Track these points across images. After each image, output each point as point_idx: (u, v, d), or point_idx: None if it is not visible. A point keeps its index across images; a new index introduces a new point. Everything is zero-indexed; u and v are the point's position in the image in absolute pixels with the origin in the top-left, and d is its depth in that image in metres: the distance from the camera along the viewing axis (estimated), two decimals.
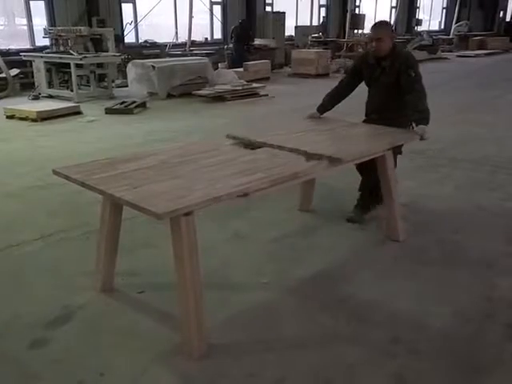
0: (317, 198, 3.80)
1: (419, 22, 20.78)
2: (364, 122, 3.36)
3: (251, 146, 2.74)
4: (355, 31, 16.44)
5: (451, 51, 18.52)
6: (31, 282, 2.56)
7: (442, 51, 17.63)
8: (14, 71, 9.30)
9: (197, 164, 2.36)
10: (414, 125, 3.05)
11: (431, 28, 22.35)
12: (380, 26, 3.19)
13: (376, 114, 3.27)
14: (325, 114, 3.42)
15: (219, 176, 2.17)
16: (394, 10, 20.17)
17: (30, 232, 3.12)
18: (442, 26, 23.40)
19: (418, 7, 21.25)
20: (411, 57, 3.21)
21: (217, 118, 7.00)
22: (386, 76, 3.15)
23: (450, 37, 20.73)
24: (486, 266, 2.76)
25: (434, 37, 18.70)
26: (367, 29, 17.34)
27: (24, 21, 10.51)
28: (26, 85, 9.40)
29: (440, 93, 9.25)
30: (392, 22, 20.03)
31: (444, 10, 23.46)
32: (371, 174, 3.14)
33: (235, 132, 2.94)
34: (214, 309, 2.26)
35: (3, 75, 8.92)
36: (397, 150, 3.16)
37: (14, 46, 10.17)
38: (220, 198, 1.94)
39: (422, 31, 19.36)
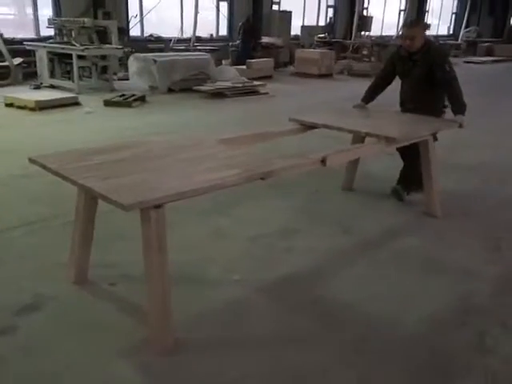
0: (307, 201, 3.80)
1: (428, 26, 20.61)
2: (401, 111, 3.67)
3: (313, 127, 3.33)
4: (362, 33, 16.35)
5: (458, 56, 18.39)
6: (5, 269, 2.57)
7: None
8: (17, 60, 9.33)
9: (175, 158, 2.35)
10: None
11: (440, 33, 22.21)
12: (413, 25, 3.47)
13: (411, 104, 3.53)
14: (369, 105, 3.78)
15: (194, 171, 2.16)
16: (402, 13, 20.05)
17: (9, 219, 3.13)
18: (451, 31, 23.25)
19: (427, 11, 21.11)
20: (444, 52, 3.63)
21: (214, 114, 7.00)
22: (418, 68, 3.40)
23: (458, 42, 20.59)
24: (465, 272, 2.73)
25: (442, 41, 18.57)
26: (374, 31, 17.28)
27: None
28: (29, 74, 9.43)
29: None
30: (400, 25, 19.96)
31: (453, 15, 23.30)
32: (415, 160, 3.44)
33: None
34: (184, 304, 2.26)
35: (6, 63, 8.95)
36: (434, 137, 3.44)
37: (21, 36, 10.19)
38: (189, 192, 1.93)
39: (430, 36, 19.23)
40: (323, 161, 2.53)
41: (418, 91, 3.49)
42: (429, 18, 21.36)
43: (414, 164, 3.57)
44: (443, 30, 22.94)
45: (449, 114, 3.53)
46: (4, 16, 10.52)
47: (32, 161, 2.25)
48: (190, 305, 2.28)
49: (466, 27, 21.76)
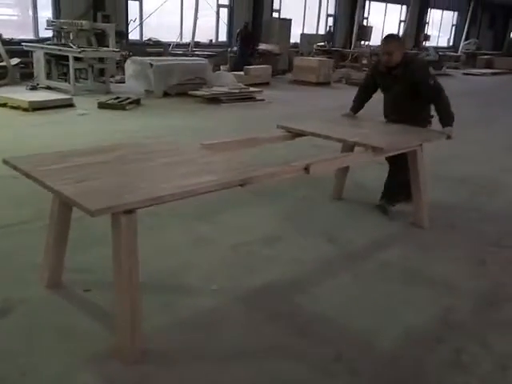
0: (293, 209, 3.75)
1: (427, 38, 20.77)
2: (386, 122, 3.65)
3: (301, 134, 3.27)
4: (361, 42, 16.43)
5: (458, 68, 18.46)
6: None
7: (449, 68, 17.58)
8: (15, 60, 9.33)
9: (152, 162, 2.31)
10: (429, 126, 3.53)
11: (440, 44, 22.34)
12: (390, 40, 3.39)
13: (394, 116, 3.53)
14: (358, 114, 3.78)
15: (169, 176, 2.12)
16: (402, 24, 20.17)
17: None
18: (451, 43, 23.40)
19: (427, 22, 21.24)
20: (423, 66, 3.53)
21: (208, 119, 6.97)
22: (398, 84, 3.38)
23: (458, 54, 20.69)
24: (447, 286, 2.68)
25: (441, 53, 18.65)
26: (374, 41, 17.35)
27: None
28: (26, 75, 9.41)
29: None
30: (400, 36, 20.06)
31: (453, 27, 23.46)
32: (402, 170, 3.44)
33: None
34: (157, 312, 2.21)
35: (4, 64, 8.94)
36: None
37: (22, 36, 10.19)
38: (162, 198, 1.89)
39: (429, 47, 19.34)
40: (306, 169, 2.48)
41: (400, 104, 3.48)
42: (429, 30, 21.50)
43: (400, 174, 3.53)
44: (443, 42, 23.09)
45: (435, 124, 3.51)
46: (8, 17, 10.57)
47: (5, 162, 2.20)
48: (163, 313, 2.22)
49: (466, 39, 21.91)
